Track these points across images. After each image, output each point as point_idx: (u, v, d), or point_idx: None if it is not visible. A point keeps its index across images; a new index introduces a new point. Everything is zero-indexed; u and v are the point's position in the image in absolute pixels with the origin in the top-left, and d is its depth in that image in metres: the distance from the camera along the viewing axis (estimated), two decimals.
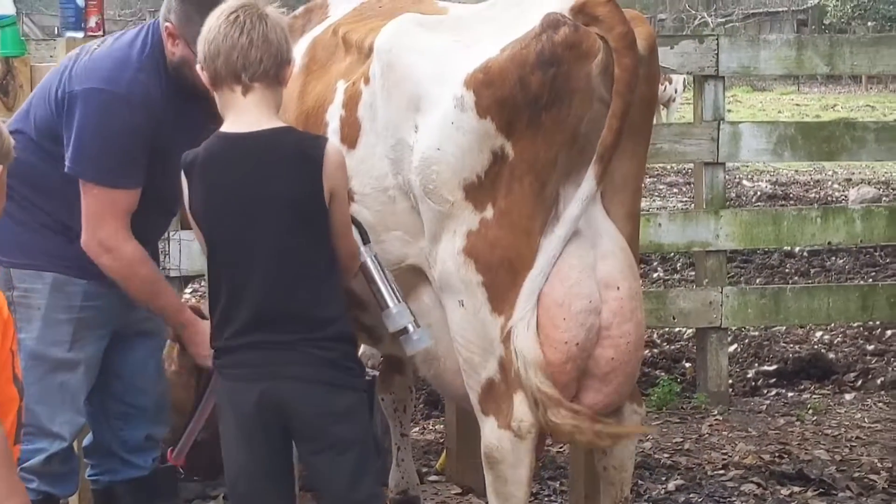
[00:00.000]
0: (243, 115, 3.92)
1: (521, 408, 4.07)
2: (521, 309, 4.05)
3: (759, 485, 6.29)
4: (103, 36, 5.60)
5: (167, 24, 4.35)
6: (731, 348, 9.15)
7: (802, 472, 6.42)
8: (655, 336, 9.29)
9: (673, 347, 9.14)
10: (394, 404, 5.59)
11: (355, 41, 4.65)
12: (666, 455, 6.79)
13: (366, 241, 4.25)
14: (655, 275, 11.38)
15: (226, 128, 3.95)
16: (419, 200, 4.23)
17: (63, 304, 4.42)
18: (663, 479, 6.41)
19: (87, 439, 4.79)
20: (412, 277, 4.41)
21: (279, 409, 3.90)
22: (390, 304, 4.23)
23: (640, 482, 6.31)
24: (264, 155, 3.91)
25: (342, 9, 5.10)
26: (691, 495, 6.18)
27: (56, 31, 21.97)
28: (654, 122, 14.88)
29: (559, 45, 3.93)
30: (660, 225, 7.73)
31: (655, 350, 9.06)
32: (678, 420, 7.48)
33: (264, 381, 3.89)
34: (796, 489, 6.22)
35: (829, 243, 8.44)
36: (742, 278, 10.91)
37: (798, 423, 7.41)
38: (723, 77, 7.77)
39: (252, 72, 3.87)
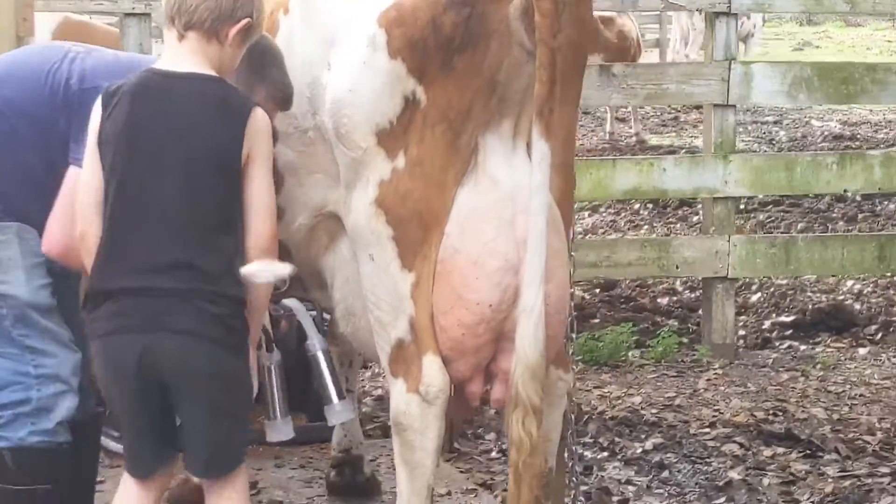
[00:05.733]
0: (176, 58, 3.83)
1: (430, 371, 3.81)
2: (525, 298, 3.71)
3: (741, 445, 5.99)
4: None
5: None
6: (755, 297, 8.83)
7: (791, 433, 6.12)
8: (662, 286, 8.99)
9: (693, 296, 8.80)
10: (339, 358, 5.30)
11: None
12: (654, 411, 6.50)
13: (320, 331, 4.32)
14: (659, 222, 11.05)
15: (158, 65, 3.85)
16: (333, 145, 3.98)
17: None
18: (643, 437, 6.13)
19: None
20: (333, 226, 4.18)
21: (161, 365, 3.65)
22: (334, 399, 4.41)
23: (617, 440, 6.05)
24: (190, 97, 3.77)
25: None
26: (667, 455, 5.89)
27: None
28: (698, 58, 14.36)
29: None
30: (664, 170, 7.42)
31: (664, 300, 8.75)
32: (675, 374, 7.20)
33: (149, 333, 3.64)
34: (780, 451, 5.93)
35: (844, 191, 8.08)
36: (756, 225, 10.54)
37: (802, 379, 7.11)
38: (735, 14, 7.40)
39: (185, 21, 3.80)
